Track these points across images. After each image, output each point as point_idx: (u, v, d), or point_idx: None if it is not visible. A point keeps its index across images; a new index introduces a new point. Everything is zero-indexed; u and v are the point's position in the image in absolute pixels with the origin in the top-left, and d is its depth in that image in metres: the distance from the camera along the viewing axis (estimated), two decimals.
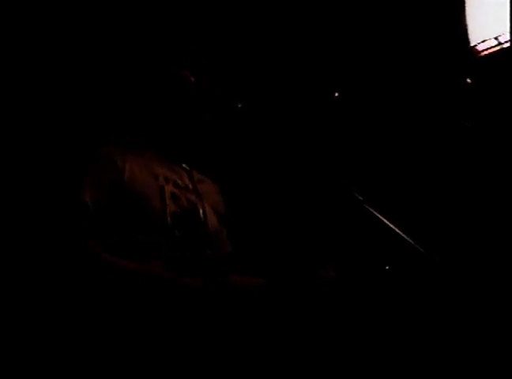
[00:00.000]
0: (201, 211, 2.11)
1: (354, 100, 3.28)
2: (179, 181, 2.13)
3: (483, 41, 2.96)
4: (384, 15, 3.23)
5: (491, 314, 2.33)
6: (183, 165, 2.22)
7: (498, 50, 2.91)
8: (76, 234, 1.93)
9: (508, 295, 2.41)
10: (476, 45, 2.98)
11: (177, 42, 2.36)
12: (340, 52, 3.30)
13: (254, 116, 2.12)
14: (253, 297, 1.94)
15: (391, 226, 1.93)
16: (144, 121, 2.22)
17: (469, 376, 2.19)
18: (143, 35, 2.89)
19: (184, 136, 2.20)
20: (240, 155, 3.00)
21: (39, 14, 2.85)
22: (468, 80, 3.04)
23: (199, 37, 2.78)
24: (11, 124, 2.78)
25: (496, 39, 2.91)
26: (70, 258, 1.91)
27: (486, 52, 2.95)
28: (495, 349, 2.30)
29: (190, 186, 2.16)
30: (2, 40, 2.79)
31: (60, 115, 2.85)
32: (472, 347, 2.23)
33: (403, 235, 1.91)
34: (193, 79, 2.15)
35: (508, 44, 2.86)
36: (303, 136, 2.24)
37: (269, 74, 3.25)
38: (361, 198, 1.99)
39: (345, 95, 3.28)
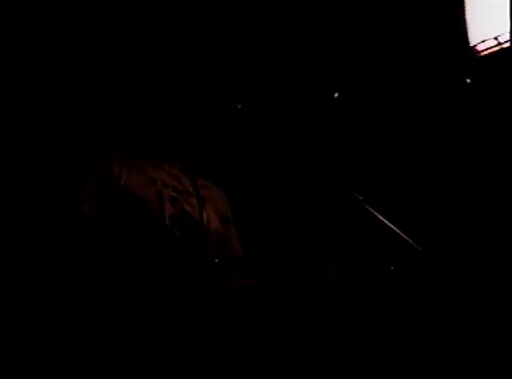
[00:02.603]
0: (204, 215, 2.11)
1: (354, 100, 3.28)
2: (179, 186, 2.14)
3: (482, 41, 2.96)
4: (384, 15, 3.23)
5: (491, 314, 2.33)
6: (185, 170, 2.21)
7: (497, 50, 2.92)
8: (78, 245, 1.98)
9: (509, 295, 2.42)
10: (475, 45, 2.98)
11: (179, 47, 2.35)
12: (340, 52, 3.30)
13: (254, 117, 2.12)
14: (252, 298, 1.94)
15: (391, 226, 1.93)
16: (146, 127, 2.23)
17: (470, 376, 2.19)
18: (146, 38, 2.90)
19: (187, 142, 2.20)
20: (242, 157, 3.00)
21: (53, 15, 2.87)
22: (468, 80, 3.04)
23: (201, 39, 2.79)
24: (11, 127, 2.79)
25: (496, 39, 2.92)
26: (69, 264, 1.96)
27: (485, 52, 2.96)
28: (495, 349, 2.31)
29: (191, 191, 2.16)
30: (7, 41, 2.81)
31: (60, 119, 2.86)
32: (472, 346, 2.23)
33: (403, 235, 1.92)
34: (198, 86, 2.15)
35: (508, 44, 2.86)
36: (303, 136, 2.23)
37: (268, 75, 3.25)
38: (361, 198, 1.99)
39: (345, 95, 3.29)
